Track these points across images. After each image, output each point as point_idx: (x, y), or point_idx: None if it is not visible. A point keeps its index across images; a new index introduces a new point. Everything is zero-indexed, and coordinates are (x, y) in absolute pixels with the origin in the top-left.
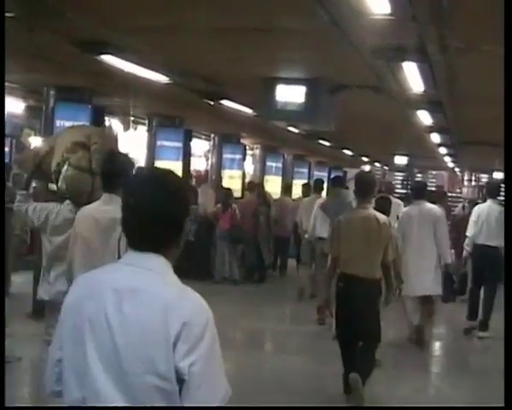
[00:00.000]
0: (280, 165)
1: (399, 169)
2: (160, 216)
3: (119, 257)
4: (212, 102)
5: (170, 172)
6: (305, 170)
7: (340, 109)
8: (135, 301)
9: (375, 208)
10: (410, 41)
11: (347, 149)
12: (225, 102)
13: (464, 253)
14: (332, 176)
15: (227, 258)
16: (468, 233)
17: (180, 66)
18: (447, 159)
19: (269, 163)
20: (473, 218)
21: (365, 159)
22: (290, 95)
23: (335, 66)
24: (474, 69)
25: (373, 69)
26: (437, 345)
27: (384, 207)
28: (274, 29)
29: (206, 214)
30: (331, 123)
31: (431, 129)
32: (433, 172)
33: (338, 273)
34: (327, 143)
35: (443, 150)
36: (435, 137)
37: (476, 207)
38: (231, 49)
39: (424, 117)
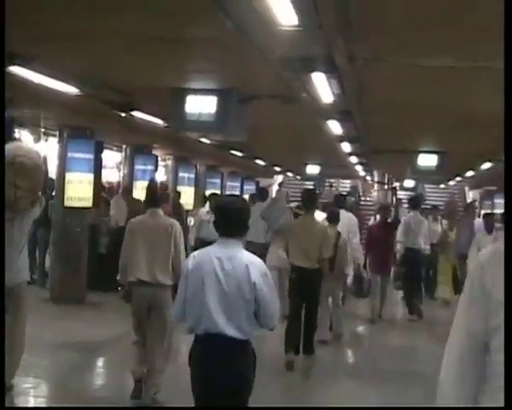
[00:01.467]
0: (192, 175)
1: (311, 178)
2: (237, 219)
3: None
4: (123, 114)
5: (239, 198)
6: (218, 180)
7: (251, 119)
8: (230, 262)
9: (327, 217)
10: (319, 51)
11: (260, 158)
12: (136, 114)
13: (398, 255)
14: (255, 186)
15: None
16: (398, 239)
17: (90, 76)
18: (358, 167)
19: (181, 174)
20: (402, 227)
21: (278, 169)
22: (201, 105)
23: (245, 76)
24: (382, 79)
25: (283, 79)
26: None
27: (333, 216)
28: (184, 39)
29: (119, 226)
30: (243, 133)
31: (342, 138)
32: (343, 181)
33: (290, 266)
34: (239, 154)
35: (354, 159)
36: (346, 147)
37: (404, 218)
38: (142, 60)
39: (334, 126)
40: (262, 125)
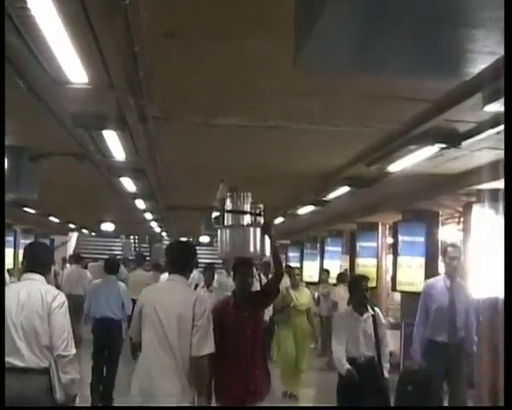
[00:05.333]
0: None
1: (107, 235)
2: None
3: None
4: None
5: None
6: (11, 238)
7: (43, 177)
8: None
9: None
10: (110, 110)
11: (54, 216)
12: None
13: None
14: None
15: None
16: None
17: None
18: (154, 224)
19: None
20: None
21: (72, 226)
22: None
23: (37, 134)
24: (174, 137)
25: (74, 137)
26: None
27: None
28: None
29: None
30: (34, 191)
31: (136, 195)
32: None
33: None
34: (32, 211)
35: (149, 216)
36: (141, 204)
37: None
38: None
39: (128, 184)
40: (55, 183)
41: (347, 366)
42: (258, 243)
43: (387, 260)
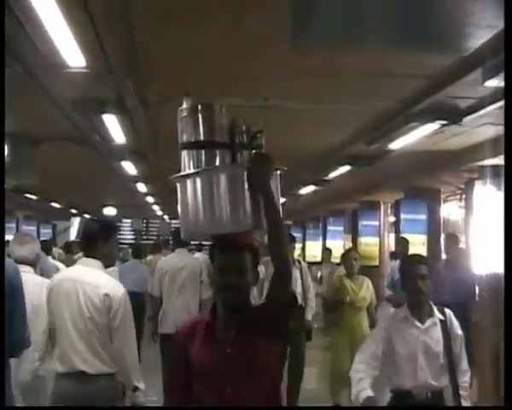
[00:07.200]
0: None
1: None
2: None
3: None
4: None
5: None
6: (13, 225)
7: (43, 162)
8: None
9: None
10: (109, 94)
11: (55, 201)
12: None
13: None
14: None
15: None
16: None
17: None
18: (155, 207)
19: None
20: None
21: (74, 211)
22: None
23: (35, 118)
24: (173, 120)
25: (73, 121)
26: None
27: None
28: None
29: None
30: (33, 176)
31: (137, 179)
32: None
33: None
34: (34, 197)
35: (151, 199)
36: (142, 187)
37: None
38: None
39: (129, 167)
40: (55, 167)
41: (368, 392)
42: (248, 206)
43: (390, 239)
